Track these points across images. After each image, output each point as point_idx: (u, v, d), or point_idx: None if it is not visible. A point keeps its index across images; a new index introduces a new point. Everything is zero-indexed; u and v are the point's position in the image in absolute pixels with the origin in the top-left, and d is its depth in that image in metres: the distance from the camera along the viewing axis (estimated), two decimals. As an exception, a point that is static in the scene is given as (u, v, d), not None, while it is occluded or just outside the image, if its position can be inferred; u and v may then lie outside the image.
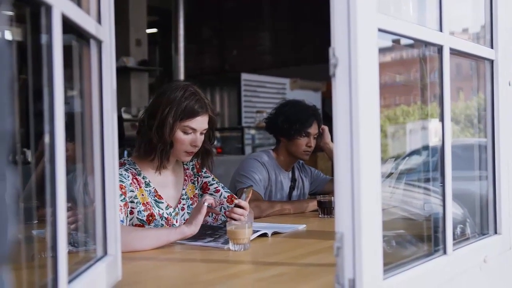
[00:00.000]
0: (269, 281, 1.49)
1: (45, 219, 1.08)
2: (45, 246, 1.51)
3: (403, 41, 1.54)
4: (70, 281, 1.07)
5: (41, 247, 1.50)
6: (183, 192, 2.30)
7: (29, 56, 1.04)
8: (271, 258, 1.77)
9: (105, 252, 1.35)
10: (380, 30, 1.23)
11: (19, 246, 1.13)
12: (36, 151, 1.22)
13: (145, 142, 2.16)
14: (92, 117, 1.33)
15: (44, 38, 0.98)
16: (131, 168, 2.16)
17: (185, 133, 2.16)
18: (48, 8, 0.96)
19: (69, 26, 1.08)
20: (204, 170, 2.40)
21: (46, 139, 0.99)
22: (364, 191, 1.15)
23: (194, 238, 1.97)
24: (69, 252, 1.08)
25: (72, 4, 1.08)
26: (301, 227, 2.31)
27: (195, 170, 2.38)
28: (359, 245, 1.14)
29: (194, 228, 1.92)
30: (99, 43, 1.31)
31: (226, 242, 1.87)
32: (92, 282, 1.21)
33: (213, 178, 2.39)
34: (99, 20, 1.32)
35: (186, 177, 2.34)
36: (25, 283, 1.17)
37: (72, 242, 1.39)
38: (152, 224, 2.13)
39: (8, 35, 0.60)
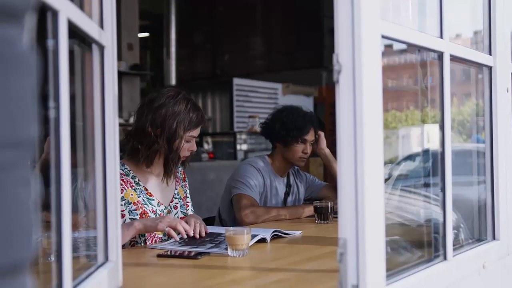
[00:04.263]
0: (270, 287, 1.48)
1: (44, 224, 1.07)
2: (43, 252, 1.50)
3: (395, 47, 1.55)
4: (73, 288, 1.06)
5: (39, 252, 1.49)
6: (176, 192, 2.39)
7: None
8: (270, 264, 1.77)
9: (106, 258, 1.34)
10: (383, 36, 1.23)
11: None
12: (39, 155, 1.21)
13: (151, 153, 2.22)
14: (94, 121, 1.32)
15: (50, 42, 0.97)
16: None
17: (188, 142, 2.27)
18: (55, 13, 0.96)
19: (72, 30, 1.07)
20: (185, 182, 2.49)
21: (51, 143, 0.99)
22: (368, 197, 1.15)
23: (196, 245, 1.97)
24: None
25: (77, 9, 1.08)
26: (298, 233, 2.31)
27: (182, 176, 2.48)
28: (363, 251, 1.14)
29: (141, 226, 2.02)
30: (101, 48, 1.31)
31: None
32: (94, 289, 1.20)
33: (188, 191, 2.50)
34: (101, 25, 1.31)
35: (177, 179, 2.43)
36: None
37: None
38: None
39: (33, 42, 0.60)
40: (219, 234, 2.15)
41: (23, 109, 0.55)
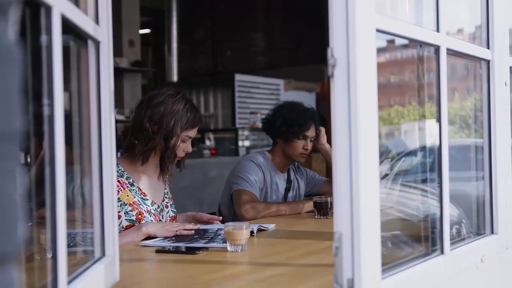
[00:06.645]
0: (267, 282, 1.49)
1: (41, 220, 1.07)
2: (40, 247, 1.50)
3: (397, 42, 1.54)
4: (69, 282, 1.07)
5: (36, 248, 1.50)
6: (165, 191, 2.43)
7: (28, 57, 1.04)
8: (268, 259, 1.77)
9: (103, 253, 1.34)
10: (378, 30, 1.23)
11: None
12: (34, 152, 1.22)
13: (148, 150, 2.24)
14: (90, 118, 1.32)
15: (43, 39, 0.97)
16: None
17: (184, 142, 2.28)
18: (48, 9, 0.96)
19: (67, 26, 1.07)
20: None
21: (45, 140, 0.99)
22: (363, 190, 1.15)
23: (185, 241, 1.97)
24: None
25: (71, 4, 1.08)
26: (271, 226, 2.33)
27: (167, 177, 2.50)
28: (358, 245, 1.14)
29: (151, 230, 2.08)
30: (97, 43, 1.31)
31: (225, 241, 1.87)
32: (91, 283, 1.21)
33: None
34: (96, 21, 1.31)
35: (166, 179, 2.46)
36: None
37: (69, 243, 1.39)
38: (143, 221, 2.21)
39: (18, 36, 0.60)
40: (206, 231, 2.16)
41: (9, 102, 0.55)
